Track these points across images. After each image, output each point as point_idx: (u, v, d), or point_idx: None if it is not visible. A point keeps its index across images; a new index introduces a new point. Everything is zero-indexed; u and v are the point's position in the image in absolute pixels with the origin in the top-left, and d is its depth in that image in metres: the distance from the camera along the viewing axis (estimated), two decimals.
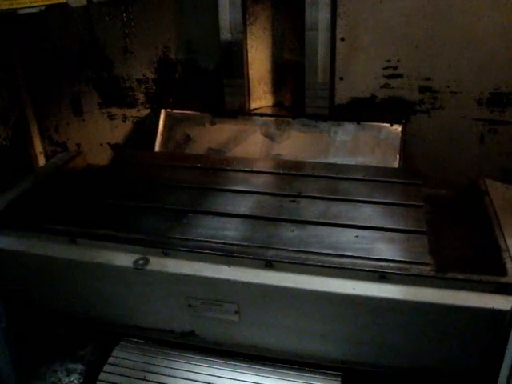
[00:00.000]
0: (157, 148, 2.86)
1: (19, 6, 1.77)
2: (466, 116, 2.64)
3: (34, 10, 1.81)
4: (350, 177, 2.37)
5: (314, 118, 2.74)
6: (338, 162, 2.61)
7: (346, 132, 2.71)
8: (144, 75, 2.98)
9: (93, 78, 3.04)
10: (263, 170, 2.48)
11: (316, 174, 2.40)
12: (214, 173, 2.46)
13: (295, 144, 2.75)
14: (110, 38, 2.89)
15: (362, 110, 2.74)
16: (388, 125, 2.66)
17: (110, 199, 2.28)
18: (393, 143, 2.64)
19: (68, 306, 2.15)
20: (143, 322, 2.08)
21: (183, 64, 2.90)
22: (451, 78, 2.58)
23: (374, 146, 2.66)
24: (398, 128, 2.65)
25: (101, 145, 3.03)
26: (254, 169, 2.48)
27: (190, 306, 1.93)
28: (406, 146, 2.66)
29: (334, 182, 2.33)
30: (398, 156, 2.62)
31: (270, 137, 2.80)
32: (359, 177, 2.36)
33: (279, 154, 2.73)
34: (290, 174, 2.42)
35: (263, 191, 2.29)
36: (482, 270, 1.74)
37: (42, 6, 1.81)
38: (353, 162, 2.61)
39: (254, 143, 2.80)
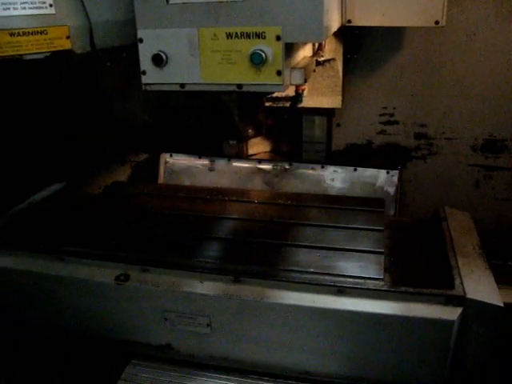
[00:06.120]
0: None
1: (25, 52, 1.81)
2: (461, 162, 2.69)
3: (39, 56, 1.85)
4: (320, 205, 2.48)
5: (311, 163, 2.78)
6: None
7: (342, 178, 2.74)
8: (143, 119, 3.02)
9: (91, 121, 3.08)
10: (242, 199, 2.58)
11: (289, 203, 2.51)
12: (194, 201, 2.57)
13: (292, 189, 2.77)
14: (110, 82, 2.96)
15: (359, 156, 2.79)
16: (384, 171, 2.69)
17: (99, 222, 2.41)
18: (389, 189, 2.67)
19: (52, 320, 2.23)
20: (124, 336, 2.15)
21: (182, 109, 2.94)
22: (446, 125, 2.64)
23: (370, 191, 2.69)
24: (394, 174, 2.69)
25: (100, 188, 3.04)
26: (233, 198, 2.58)
27: (165, 319, 2.02)
28: (401, 191, 2.69)
29: (304, 209, 2.47)
30: (394, 202, 2.64)
31: (267, 182, 2.83)
32: (328, 205, 2.47)
33: None
34: (264, 202, 2.54)
35: (240, 217, 2.40)
36: (433, 285, 1.85)
37: (48, 52, 1.85)
38: None
39: (252, 188, 2.83)
